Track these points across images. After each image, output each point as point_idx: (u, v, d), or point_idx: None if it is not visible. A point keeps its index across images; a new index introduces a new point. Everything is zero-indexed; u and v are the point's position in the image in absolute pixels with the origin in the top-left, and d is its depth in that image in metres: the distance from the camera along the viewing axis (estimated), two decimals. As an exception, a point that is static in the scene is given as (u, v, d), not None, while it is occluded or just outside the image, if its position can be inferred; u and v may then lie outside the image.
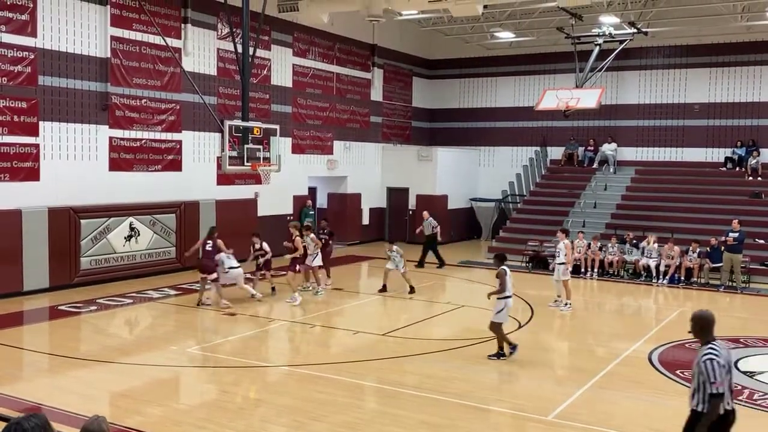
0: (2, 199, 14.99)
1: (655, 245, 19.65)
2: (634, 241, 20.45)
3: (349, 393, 9.62)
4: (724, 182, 23.92)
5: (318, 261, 16.38)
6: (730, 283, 18.64)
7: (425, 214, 21.59)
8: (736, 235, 18.58)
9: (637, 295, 18.21)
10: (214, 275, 14.62)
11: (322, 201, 25.94)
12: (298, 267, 15.97)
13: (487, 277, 20.11)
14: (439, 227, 21.22)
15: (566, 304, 15.43)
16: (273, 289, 16.21)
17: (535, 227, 23.22)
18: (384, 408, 9.18)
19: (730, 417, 5.87)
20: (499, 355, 11.29)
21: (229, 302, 14.65)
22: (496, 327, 11.34)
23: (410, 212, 26.93)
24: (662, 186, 24.41)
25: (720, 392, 5.66)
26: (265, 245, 16.12)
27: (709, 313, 5.97)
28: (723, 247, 18.90)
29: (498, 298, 11.32)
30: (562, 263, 15.52)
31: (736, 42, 24.45)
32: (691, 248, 19.42)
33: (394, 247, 16.77)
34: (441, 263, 21.08)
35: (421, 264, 20.91)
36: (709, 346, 5.81)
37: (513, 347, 11.33)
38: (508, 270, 11.44)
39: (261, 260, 15.96)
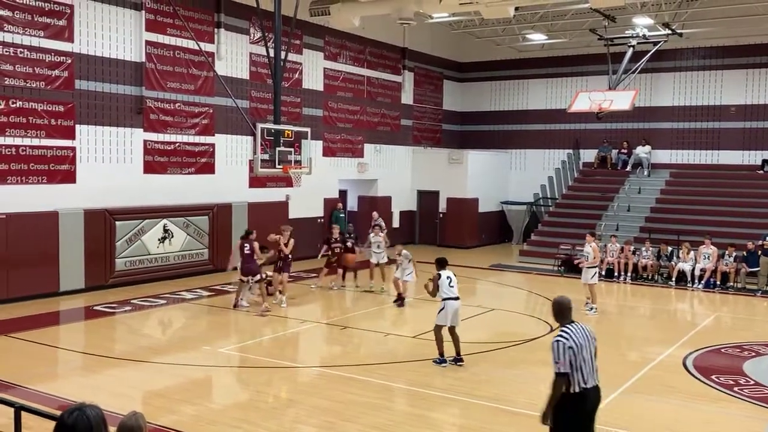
0: (39, 201, 15.29)
1: (691, 254, 19.31)
2: (669, 252, 20.08)
3: (379, 395, 9.63)
4: (760, 185, 23.46)
5: (384, 258, 17.10)
6: (767, 288, 18.27)
7: (375, 214, 21.56)
8: (774, 238, 18.24)
9: (672, 300, 17.95)
10: (258, 276, 14.67)
11: (352, 204, 26.01)
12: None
13: (519, 281, 20.02)
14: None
15: (592, 309, 15.26)
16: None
17: (567, 230, 23.01)
18: (414, 410, 9.17)
19: (590, 395, 6.16)
20: (441, 360, 10.93)
21: (268, 305, 14.70)
22: (435, 329, 11.05)
23: (441, 215, 26.88)
24: (697, 189, 24.04)
25: (562, 372, 6.05)
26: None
27: (565, 299, 6.41)
28: (760, 251, 18.55)
29: (441, 300, 10.96)
30: (591, 267, 15.40)
31: (773, 42, 24.00)
32: (727, 252, 19.10)
33: (404, 251, 15.71)
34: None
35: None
36: (561, 329, 6.26)
37: (441, 358, 10.94)
38: (445, 274, 11.02)
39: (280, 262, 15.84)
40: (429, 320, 14.44)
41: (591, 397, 6.18)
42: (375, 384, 10.03)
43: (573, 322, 6.33)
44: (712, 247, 19.10)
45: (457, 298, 10.97)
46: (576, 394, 6.08)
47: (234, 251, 15.89)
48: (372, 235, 17.61)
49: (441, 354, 10.97)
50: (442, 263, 11.41)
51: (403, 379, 10.38)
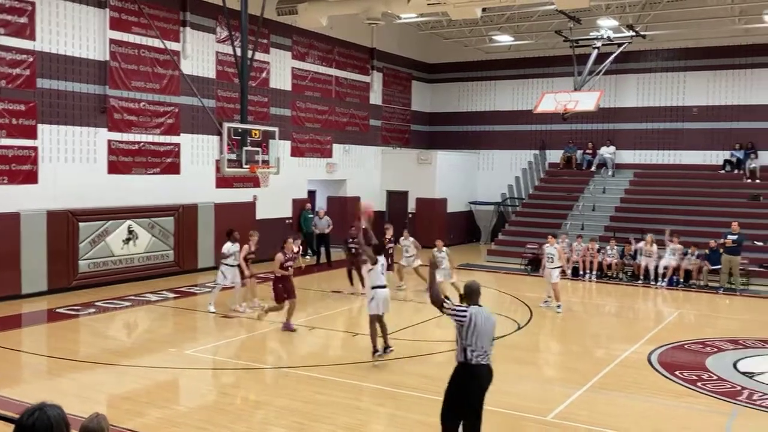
0: (1, 202, 14.97)
1: (654, 247, 19.61)
2: (633, 251, 20.34)
3: (349, 394, 9.61)
4: (722, 185, 23.94)
5: (418, 261, 17.40)
6: (729, 285, 18.63)
7: (321, 212, 21.90)
8: (735, 237, 18.60)
9: (636, 297, 18.20)
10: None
11: (321, 204, 25.92)
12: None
13: (487, 280, 20.12)
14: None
15: (559, 306, 15.42)
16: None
17: (534, 230, 23.21)
18: (384, 409, 9.17)
19: (482, 371, 6.75)
20: (374, 352, 10.91)
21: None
22: (370, 321, 11.04)
23: (410, 215, 26.94)
24: (661, 189, 24.44)
25: (447, 306, 6.92)
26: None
27: (475, 284, 7.06)
28: (722, 250, 18.91)
29: (371, 288, 10.99)
30: (557, 267, 15.57)
31: (733, 45, 24.48)
32: (690, 250, 19.44)
33: (410, 238, 17.50)
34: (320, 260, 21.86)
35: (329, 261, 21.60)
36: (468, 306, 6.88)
37: (375, 351, 10.93)
38: (380, 261, 11.02)
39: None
40: (398, 319, 14.47)
41: (483, 373, 6.76)
42: (344, 384, 10.00)
43: (480, 306, 6.89)
44: (678, 244, 19.43)
45: (385, 286, 10.99)
46: (470, 365, 6.71)
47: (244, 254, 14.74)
48: (402, 238, 17.87)
49: (375, 347, 10.95)
50: (378, 250, 11.37)
51: (373, 379, 10.36)
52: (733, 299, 17.92)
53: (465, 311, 6.78)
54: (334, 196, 25.80)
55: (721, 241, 18.91)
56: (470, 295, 6.97)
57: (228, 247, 14.55)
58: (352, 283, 17.17)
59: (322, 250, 22.28)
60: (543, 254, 16.51)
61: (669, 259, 19.39)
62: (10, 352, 11.44)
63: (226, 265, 14.52)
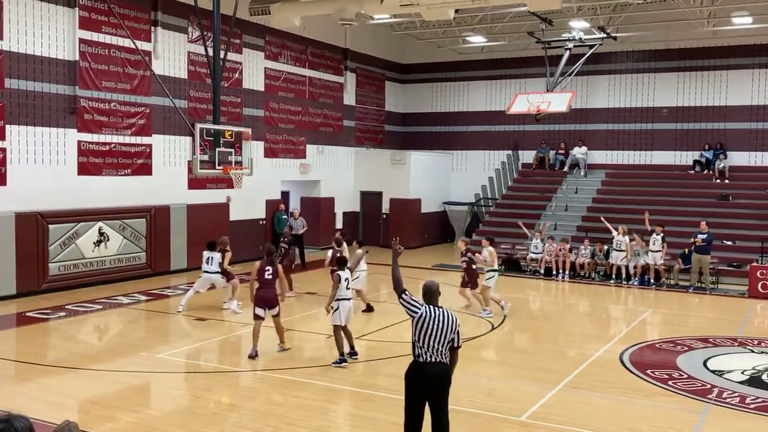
0: (-32, 204, 14.71)
1: (626, 237, 19.77)
2: (605, 250, 20.53)
3: (322, 397, 9.57)
4: (692, 185, 24.29)
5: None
6: (699, 284, 18.90)
7: (296, 212, 21.78)
8: (705, 236, 18.87)
9: (608, 297, 18.38)
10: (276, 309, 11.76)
11: (295, 205, 25.83)
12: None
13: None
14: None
15: (485, 310, 14.97)
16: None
17: (507, 230, 23.34)
18: (358, 411, 9.15)
19: (429, 368, 6.77)
20: (341, 360, 10.92)
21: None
22: (334, 331, 11.10)
23: (384, 216, 26.95)
24: (632, 189, 24.73)
25: (402, 290, 7.14)
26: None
27: (434, 284, 7.18)
28: (689, 249, 19.18)
29: (336, 300, 11.05)
30: (490, 270, 15.12)
31: (702, 47, 24.87)
32: (656, 231, 19.50)
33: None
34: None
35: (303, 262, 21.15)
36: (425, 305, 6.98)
37: (342, 357, 10.97)
38: (343, 275, 11.08)
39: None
40: (370, 322, 14.48)
41: (430, 371, 6.77)
42: (318, 386, 9.96)
43: (439, 307, 6.95)
44: (625, 236, 19.69)
45: (349, 299, 11.28)
46: (418, 362, 6.82)
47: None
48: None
49: (342, 354, 11.04)
50: (343, 263, 11.50)
51: (347, 381, 10.34)
52: (703, 298, 18.18)
53: (418, 308, 6.89)
54: (308, 196, 25.72)
55: (691, 240, 19.16)
56: (428, 294, 7.04)
57: (209, 255, 14.63)
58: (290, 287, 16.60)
59: (296, 250, 22.18)
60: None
61: (616, 256, 19.56)
62: (-23, 358, 11.23)
63: (208, 273, 14.58)
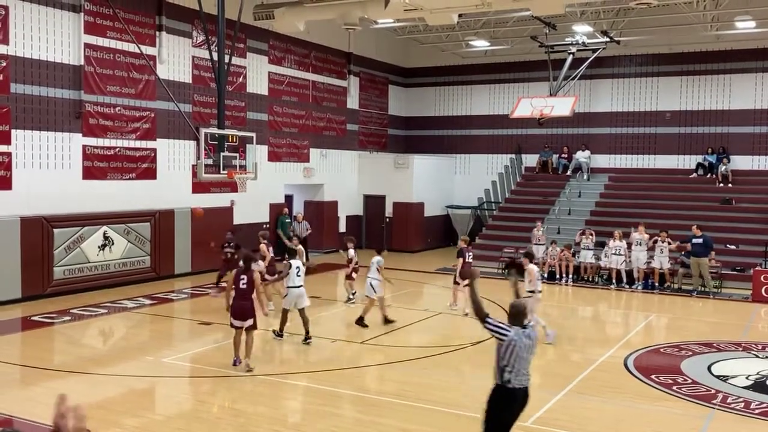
0: (-27, 209, 14.76)
1: (623, 242, 19.79)
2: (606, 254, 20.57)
3: (328, 402, 9.59)
4: (695, 188, 24.27)
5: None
6: (702, 288, 18.88)
7: (299, 216, 21.73)
8: (699, 240, 18.83)
9: (612, 301, 18.38)
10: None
11: (298, 209, 25.88)
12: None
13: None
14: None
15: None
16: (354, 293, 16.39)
17: (510, 234, 23.36)
18: (364, 416, 9.16)
19: (518, 394, 6.56)
20: (278, 335, 12.73)
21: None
22: (282, 311, 12.73)
23: (387, 219, 26.98)
24: (635, 192, 24.72)
25: (488, 321, 6.61)
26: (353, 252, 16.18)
27: (521, 304, 6.88)
28: (684, 252, 19.17)
29: (287, 287, 12.53)
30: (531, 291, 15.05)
31: (706, 51, 24.88)
32: (660, 239, 19.51)
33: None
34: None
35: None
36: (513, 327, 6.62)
37: (280, 333, 12.69)
38: (295, 264, 12.54)
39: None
40: (376, 326, 14.49)
41: (519, 396, 6.58)
42: (323, 391, 9.98)
43: (525, 328, 6.64)
44: (645, 234, 19.64)
45: (299, 286, 12.45)
46: (506, 388, 6.52)
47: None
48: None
49: (281, 330, 12.72)
50: (292, 253, 13.09)
51: (351, 385, 10.36)
52: (707, 302, 18.16)
53: (507, 331, 6.52)
54: (312, 200, 25.76)
55: (679, 243, 19.22)
56: (515, 316, 6.71)
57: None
58: (217, 284, 16.69)
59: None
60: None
61: (638, 251, 19.55)
62: (-17, 362, 11.26)
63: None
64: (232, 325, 10.98)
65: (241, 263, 11.44)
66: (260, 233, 15.92)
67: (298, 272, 12.45)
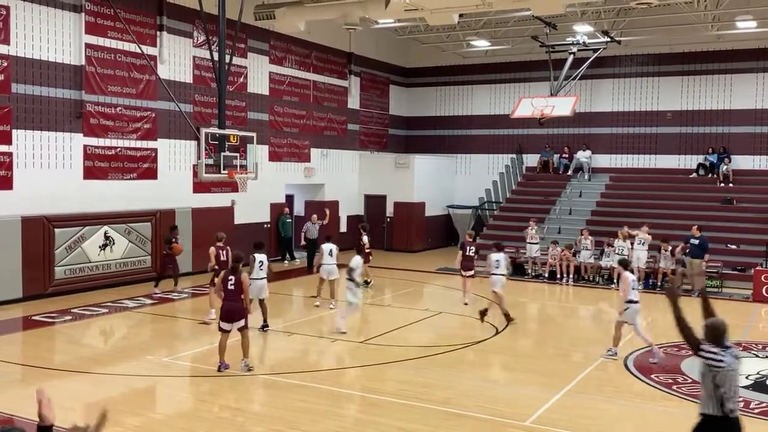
0: (-26, 208, 14.78)
1: (626, 242, 19.80)
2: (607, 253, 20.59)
3: (328, 401, 9.60)
4: (696, 188, 24.27)
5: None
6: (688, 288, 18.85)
7: (314, 217, 21.65)
8: (697, 241, 18.83)
9: (613, 301, 18.35)
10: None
11: (299, 209, 25.90)
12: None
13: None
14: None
15: (610, 350, 12.85)
16: (367, 282, 17.78)
17: (511, 234, 23.35)
18: (364, 416, 9.18)
19: (739, 424, 5.86)
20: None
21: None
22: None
23: (388, 219, 26.99)
24: (636, 192, 24.72)
25: (698, 341, 5.91)
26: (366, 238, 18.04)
27: (720, 323, 6.07)
28: (683, 252, 19.18)
29: (251, 279, 12.76)
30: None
31: (706, 51, 24.88)
32: (662, 248, 19.58)
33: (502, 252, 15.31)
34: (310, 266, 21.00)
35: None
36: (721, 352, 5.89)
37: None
38: (258, 258, 13.47)
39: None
40: (377, 326, 14.52)
41: (740, 427, 5.90)
42: (323, 390, 9.99)
43: (728, 346, 5.92)
44: (647, 235, 19.66)
45: (262, 279, 13.40)
46: (727, 418, 5.81)
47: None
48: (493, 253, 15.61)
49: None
50: (259, 246, 13.80)
51: (352, 385, 10.38)
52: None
53: (722, 356, 5.78)
54: (312, 200, 25.76)
55: (678, 247, 19.23)
56: (719, 336, 5.97)
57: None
58: (156, 285, 17.02)
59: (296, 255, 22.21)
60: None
61: (639, 251, 19.59)
62: (-16, 361, 11.29)
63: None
64: (220, 329, 10.81)
65: (231, 263, 11.47)
66: (217, 234, 14.85)
67: (261, 266, 13.47)
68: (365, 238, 18.21)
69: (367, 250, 17.68)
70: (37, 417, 3.47)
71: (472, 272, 16.76)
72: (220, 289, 10.98)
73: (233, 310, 10.72)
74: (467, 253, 16.81)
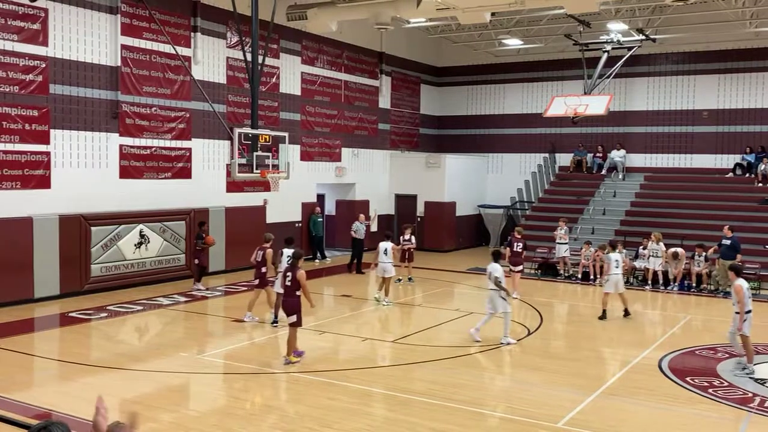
0: (14, 207, 15.11)
1: (661, 244, 19.56)
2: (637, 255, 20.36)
3: (359, 400, 9.64)
4: (734, 188, 23.83)
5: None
6: (729, 290, 18.51)
7: (362, 217, 21.62)
8: (728, 242, 18.49)
9: (647, 302, 18.14)
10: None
11: (330, 208, 26.01)
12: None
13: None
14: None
15: (746, 367, 11.57)
16: (410, 279, 19.21)
17: (544, 234, 23.17)
18: (394, 415, 9.18)
19: None
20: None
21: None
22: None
23: (419, 219, 26.96)
24: (671, 192, 24.36)
25: None
26: (413, 238, 19.35)
27: None
28: (715, 252, 18.88)
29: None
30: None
31: (744, 48, 24.42)
32: (696, 253, 19.34)
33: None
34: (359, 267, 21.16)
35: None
36: None
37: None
38: (285, 252, 13.57)
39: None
40: (407, 325, 14.52)
41: None
42: (354, 389, 10.03)
43: None
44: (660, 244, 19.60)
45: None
46: None
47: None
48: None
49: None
50: (289, 242, 14.07)
51: (382, 384, 10.40)
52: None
53: None
54: (343, 199, 25.85)
55: (711, 249, 18.92)
56: None
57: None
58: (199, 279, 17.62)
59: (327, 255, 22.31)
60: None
61: (654, 262, 19.40)
62: (22, 356, 11.53)
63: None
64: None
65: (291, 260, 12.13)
66: (265, 235, 15.04)
67: (288, 260, 13.07)
68: (412, 237, 19.51)
69: (408, 247, 19.19)
70: (75, 413, 3.53)
71: (520, 267, 17.69)
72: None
73: (287, 304, 11.47)
74: (515, 249, 17.53)
